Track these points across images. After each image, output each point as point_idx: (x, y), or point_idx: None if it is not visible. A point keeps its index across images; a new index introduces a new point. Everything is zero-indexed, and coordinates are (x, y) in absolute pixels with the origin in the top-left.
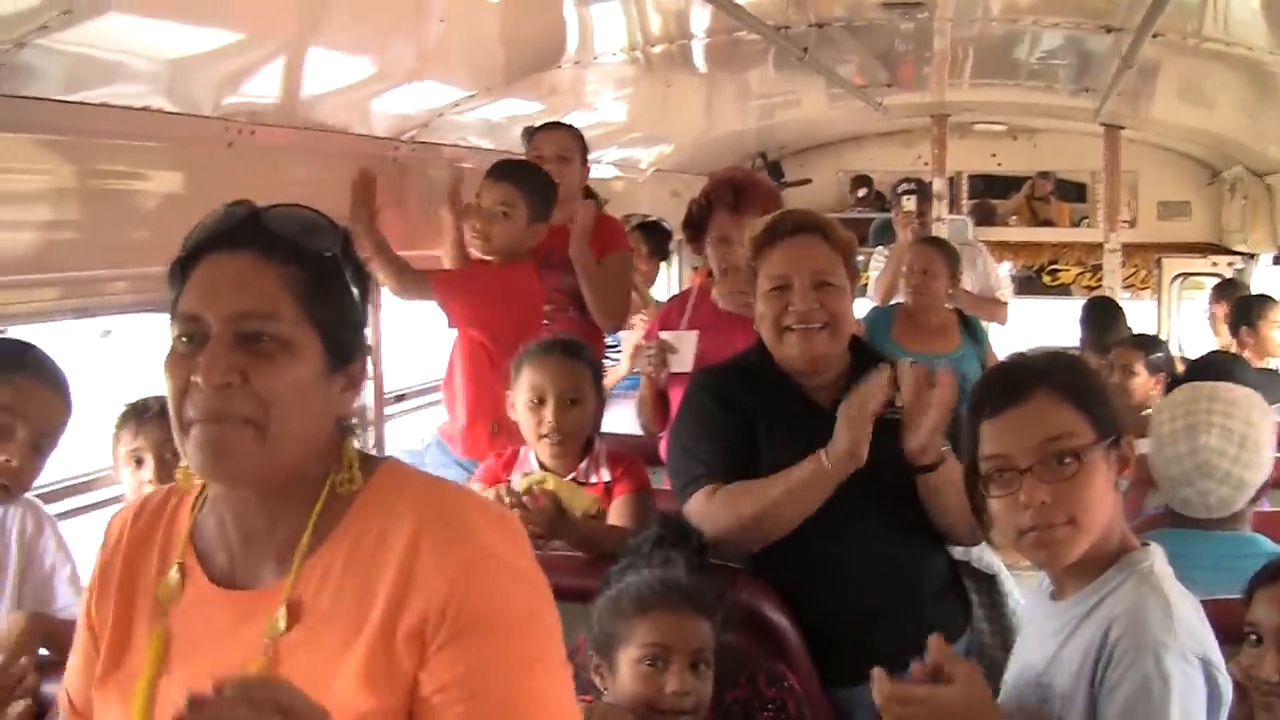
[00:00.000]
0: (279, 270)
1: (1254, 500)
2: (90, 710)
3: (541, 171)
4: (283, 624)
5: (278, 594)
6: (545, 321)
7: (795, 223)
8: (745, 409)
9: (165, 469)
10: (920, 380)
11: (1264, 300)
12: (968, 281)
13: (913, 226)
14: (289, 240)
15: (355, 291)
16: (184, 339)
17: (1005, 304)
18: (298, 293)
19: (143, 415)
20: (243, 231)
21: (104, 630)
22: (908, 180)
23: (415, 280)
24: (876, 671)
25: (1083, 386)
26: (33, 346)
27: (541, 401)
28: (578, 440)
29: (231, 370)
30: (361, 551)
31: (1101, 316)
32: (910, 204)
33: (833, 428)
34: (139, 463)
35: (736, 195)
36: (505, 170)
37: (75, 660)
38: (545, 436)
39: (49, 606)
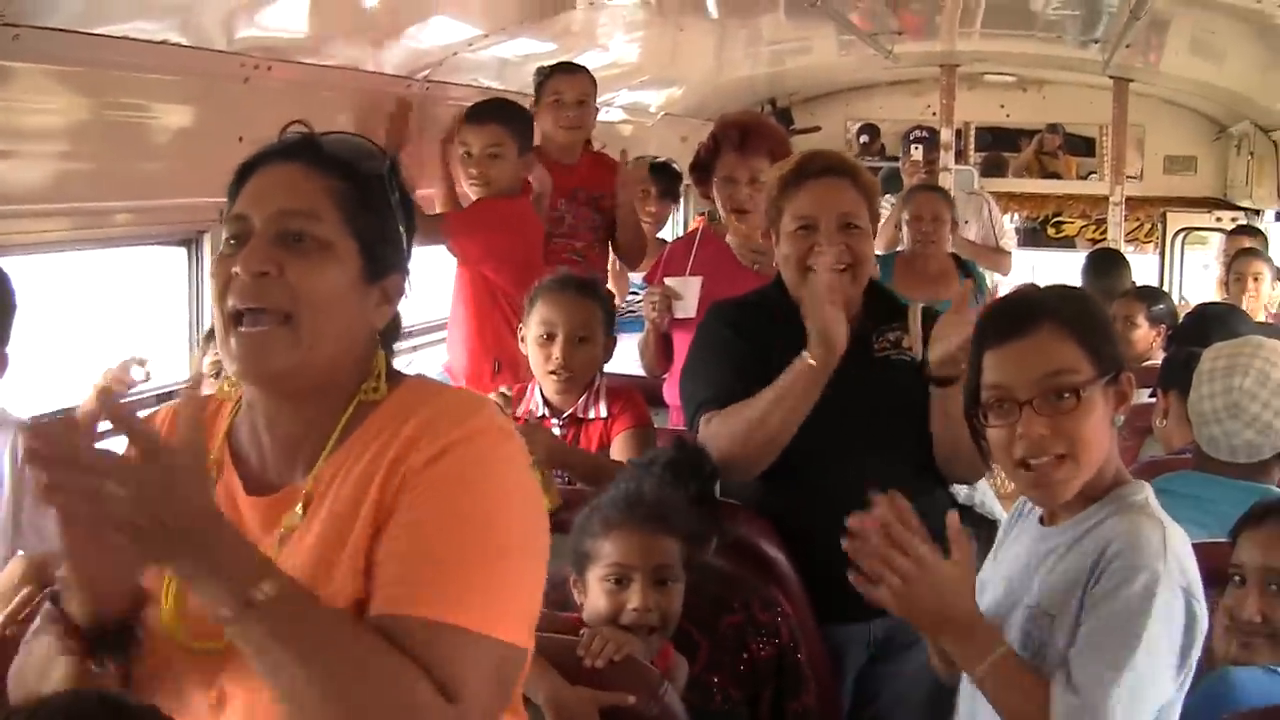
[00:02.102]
0: (325, 181)
1: None
2: None
3: (516, 104)
4: (299, 519)
5: (299, 493)
6: (578, 258)
7: (825, 164)
8: (759, 341)
9: None
10: (962, 295)
11: (1250, 253)
12: (973, 231)
13: (920, 176)
14: (337, 157)
15: (400, 218)
16: (231, 240)
17: (1008, 253)
18: (340, 201)
19: None
20: (296, 147)
21: None
22: (919, 129)
23: (426, 224)
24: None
25: (1086, 322)
26: None
27: (551, 337)
28: (585, 378)
29: (269, 261)
30: (375, 448)
31: (1105, 267)
32: (918, 153)
33: (844, 364)
34: (219, 374)
35: (743, 135)
36: (485, 112)
37: None
38: (553, 373)
39: (47, 535)
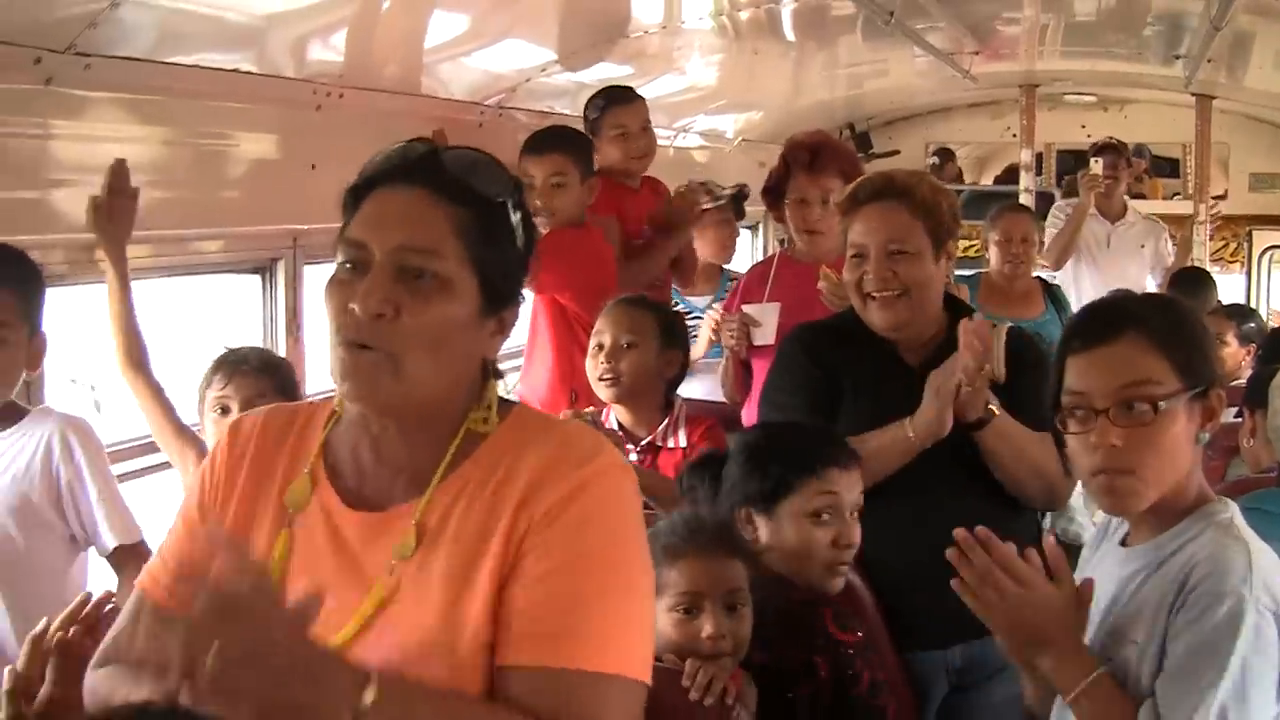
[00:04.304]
0: (447, 210)
1: None
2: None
3: (575, 131)
4: (411, 546)
5: (407, 517)
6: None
7: (874, 188)
8: (834, 365)
9: None
10: (971, 334)
11: None
12: (1137, 261)
13: (1100, 189)
14: (462, 181)
15: (520, 240)
16: (348, 265)
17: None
18: (463, 233)
19: (238, 365)
20: (418, 168)
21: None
22: (1106, 144)
23: None
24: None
25: (1175, 333)
26: None
27: (601, 347)
28: (638, 387)
29: (388, 302)
30: (490, 481)
31: (1192, 286)
32: (1098, 166)
33: (919, 387)
34: (224, 410)
35: (812, 155)
36: (545, 142)
37: (172, 552)
38: (601, 379)
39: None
